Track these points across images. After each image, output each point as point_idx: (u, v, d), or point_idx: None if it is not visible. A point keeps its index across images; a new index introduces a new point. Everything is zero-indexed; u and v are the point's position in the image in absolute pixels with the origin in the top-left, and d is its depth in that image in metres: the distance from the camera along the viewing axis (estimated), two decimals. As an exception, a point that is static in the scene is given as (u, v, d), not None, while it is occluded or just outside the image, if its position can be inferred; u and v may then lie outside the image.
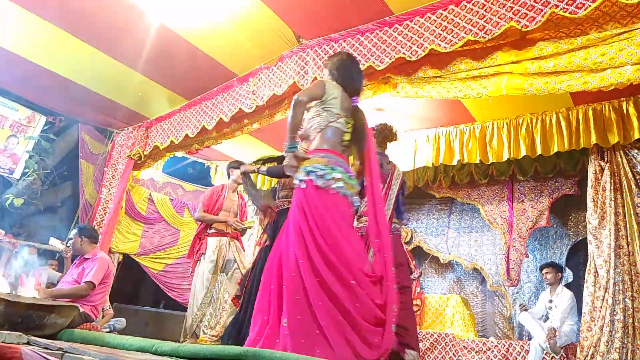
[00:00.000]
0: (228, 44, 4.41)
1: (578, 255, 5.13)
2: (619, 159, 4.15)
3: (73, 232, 3.95)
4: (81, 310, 3.54)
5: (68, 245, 3.96)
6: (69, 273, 3.92)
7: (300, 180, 2.19)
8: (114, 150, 5.99)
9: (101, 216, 5.65)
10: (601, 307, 3.89)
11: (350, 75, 2.47)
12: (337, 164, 2.22)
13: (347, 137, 2.37)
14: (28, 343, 1.44)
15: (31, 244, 5.20)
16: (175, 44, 4.34)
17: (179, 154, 5.85)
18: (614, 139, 4.05)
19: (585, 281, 4.10)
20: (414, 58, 3.45)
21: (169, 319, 6.05)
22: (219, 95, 4.92)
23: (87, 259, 3.79)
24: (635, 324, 3.73)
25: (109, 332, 4.26)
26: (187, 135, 5.11)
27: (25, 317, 1.69)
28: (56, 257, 5.57)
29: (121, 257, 6.37)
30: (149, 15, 4.02)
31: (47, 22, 4.17)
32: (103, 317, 4.59)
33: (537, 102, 4.32)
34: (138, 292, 7.56)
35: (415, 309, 5.40)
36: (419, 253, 6.17)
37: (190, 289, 6.71)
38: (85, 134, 6.12)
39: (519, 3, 3.01)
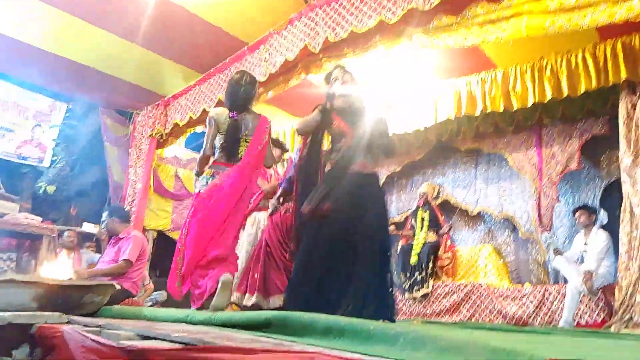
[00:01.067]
0: (235, 13, 4.34)
1: (612, 196, 4.98)
2: (652, 93, 3.94)
3: (104, 214, 4.08)
4: (122, 286, 3.71)
5: (102, 227, 4.11)
6: (106, 253, 4.08)
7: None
8: (135, 131, 6.07)
9: (131, 196, 5.80)
10: (638, 246, 3.80)
11: (230, 96, 3.08)
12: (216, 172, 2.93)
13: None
14: (69, 322, 1.51)
15: (71, 228, 5.40)
16: (184, 18, 4.29)
17: (200, 128, 5.88)
18: (646, 72, 3.85)
19: (621, 221, 4.00)
20: (427, 7, 3.30)
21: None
22: (232, 66, 4.87)
23: (122, 238, 3.92)
24: (674, 261, 3.64)
25: (151, 305, 4.45)
26: (204, 110, 5.11)
27: (65, 298, 1.77)
28: (93, 240, 5.79)
29: (155, 234, 6.56)
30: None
31: (57, 9, 4.17)
32: (145, 292, 4.78)
33: (561, 41, 4.09)
34: (175, 267, 7.79)
35: (447, 262, 5.42)
36: (447, 207, 6.12)
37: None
38: (107, 117, 6.22)
39: None
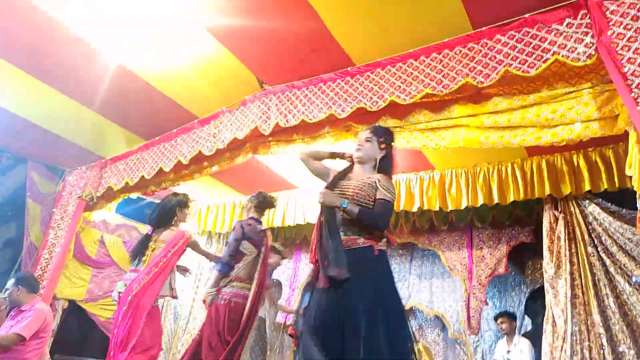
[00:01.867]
0: (190, 88, 4.36)
1: (536, 303, 5.17)
2: (572, 209, 4.28)
3: (10, 282, 3.67)
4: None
5: (4, 297, 3.66)
6: (3, 326, 3.60)
7: None
8: (64, 190, 5.71)
9: (46, 260, 5.30)
10: (560, 358, 3.89)
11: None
12: None
13: None
14: None
15: None
16: (134, 84, 4.24)
17: (134, 195, 5.63)
18: (566, 189, 4.20)
19: (544, 331, 4.12)
20: (374, 108, 3.48)
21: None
22: (179, 137, 4.81)
23: (24, 310, 3.51)
24: (593, 375, 3.74)
25: (45, 390, 3.90)
26: (143, 177, 4.93)
27: None
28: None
29: (66, 303, 5.96)
30: (107, 54, 3.93)
31: (-2, 58, 4.01)
32: (41, 372, 4.21)
33: (493, 152, 4.45)
34: (84, 342, 7.04)
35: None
36: (381, 299, 6.07)
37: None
38: (35, 172, 5.83)
39: (475, 60, 3.11)
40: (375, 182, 2.50)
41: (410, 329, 2.36)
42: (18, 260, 5.69)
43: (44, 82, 4.29)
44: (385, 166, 2.64)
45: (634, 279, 3.71)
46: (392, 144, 2.71)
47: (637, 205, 2.75)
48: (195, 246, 4.00)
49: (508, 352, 4.42)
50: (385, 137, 2.66)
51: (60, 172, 5.93)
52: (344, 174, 2.69)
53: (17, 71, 4.13)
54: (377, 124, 3.20)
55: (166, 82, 4.26)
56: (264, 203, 4.21)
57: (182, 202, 3.77)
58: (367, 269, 2.33)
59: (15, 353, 3.33)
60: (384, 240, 2.46)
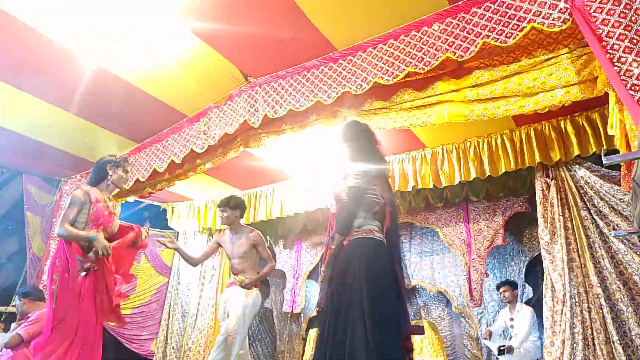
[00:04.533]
0: (175, 86, 4.38)
1: (536, 270, 5.26)
2: (563, 175, 4.33)
3: (16, 298, 3.84)
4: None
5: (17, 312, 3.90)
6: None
7: None
8: (62, 200, 5.75)
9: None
10: (561, 321, 3.97)
11: None
12: None
13: None
14: None
15: None
16: (120, 88, 4.26)
17: (131, 198, 5.67)
18: (556, 156, 4.24)
19: (543, 296, 4.20)
20: (359, 91, 3.52)
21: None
22: (170, 137, 4.84)
23: (29, 317, 3.66)
24: (594, 334, 3.81)
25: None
26: (137, 180, 4.97)
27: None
28: (1, 319, 5.22)
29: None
30: (90, 60, 3.95)
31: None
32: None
33: (482, 126, 4.48)
34: (96, 347, 7.12)
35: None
36: (384, 280, 6.15)
37: (151, 339, 6.41)
38: (31, 184, 5.86)
39: (453, 35, 3.14)
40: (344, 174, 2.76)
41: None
42: (23, 273, 5.75)
43: (29, 93, 4.30)
44: (354, 159, 2.78)
45: (613, 233, 3.76)
46: (353, 132, 2.90)
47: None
48: (66, 204, 3.27)
49: (511, 319, 4.51)
50: (345, 134, 2.89)
51: (56, 182, 5.96)
52: None
53: (4, 86, 4.14)
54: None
55: (151, 82, 4.28)
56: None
57: (115, 162, 3.32)
58: None
59: (26, 354, 3.48)
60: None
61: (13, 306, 4.30)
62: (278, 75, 4.08)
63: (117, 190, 3.49)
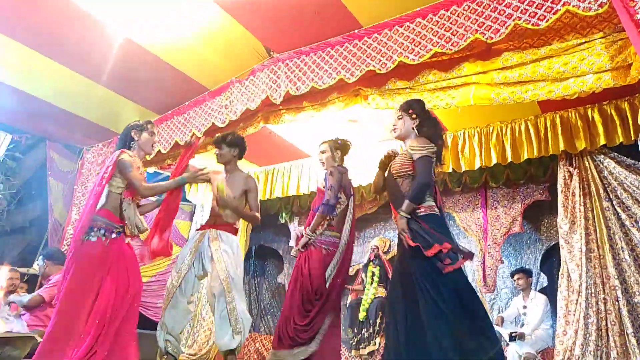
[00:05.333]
0: (198, 59, 4.38)
1: (552, 260, 5.20)
2: (587, 164, 4.25)
3: (38, 259, 3.93)
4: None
5: (39, 272, 4.00)
6: (35, 296, 3.84)
7: None
8: (83, 168, 5.85)
9: (71, 236, 5.49)
10: (575, 311, 3.95)
11: None
12: None
13: None
14: (-22, 380, 1.37)
15: (15, 269, 5.02)
16: (144, 59, 4.28)
17: (151, 169, 5.74)
18: (581, 145, 4.16)
19: (558, 285, 4.17)
20: (383, 70, 3.47)
21: (144, 339, 5.87)
22: (191, 110, 4.86)
23: (50, 279, 3.77)
24: (608, 325, 3.79)
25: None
26: (159, 151, 5.02)
27: (-21, 352, 1.62)
28: (24, 280, 5.39)
29: (94, 276, 6.18)
30: (115, 30, 3.97)
31: (9, 38, 4.06)
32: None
33: (506, 111, 4.39)
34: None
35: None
36: (397, 262, 6.16)
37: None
38: (54, 151, 5.96)
39: (484, 15, 3.06)
40: (408, 149, 2.78)
41: None
42: (44, 237, 5.90)
43: (55, 60, 4.34)
44: (424, 132, 2.82)
45: None
46: (425, 108, 2.92)
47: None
48: (123, 169, 3.05)
49: (524, 307, 4.50)
50: (413, 107, 2.87)
51: (78, 150, 6.06)
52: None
53: (28, 51, 4.19)
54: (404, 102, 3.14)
55: (174, 54, 4.29)
56: (346, 148, 3.86)
57: (138, 126, 3.20)
58: None
59: (46, 314, 3.60)
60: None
61: (35, 268, 4.41)
62: (301, 51, 4.04)
63: (146, 156, 3.39)
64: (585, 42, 2.94)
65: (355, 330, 5.25)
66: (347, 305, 5.58)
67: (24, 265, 5.68)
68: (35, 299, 3.70)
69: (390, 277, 5.67)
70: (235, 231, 3.63)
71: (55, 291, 3.65)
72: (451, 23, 3.20)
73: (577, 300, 3.96)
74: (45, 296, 3.68)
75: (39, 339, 3.02)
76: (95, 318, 2.51)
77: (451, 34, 3.17)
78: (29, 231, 6.14)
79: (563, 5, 2.77)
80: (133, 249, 3.08)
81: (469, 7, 3.15)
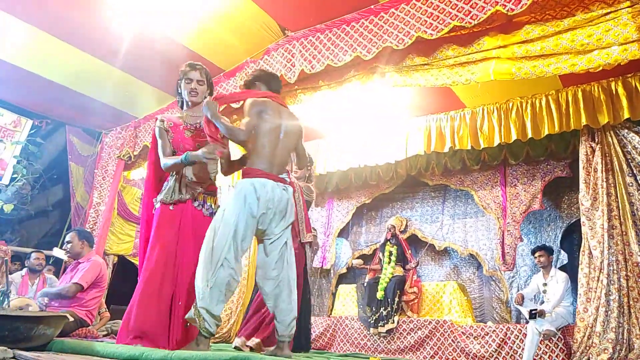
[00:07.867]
0: (213, 40, 4.36)
1: (572, 237, 5.15)
2: (610, 139, 4.14)
3: (70, 234, 3.90)
4: (77, 316, 3.53)
5: (68, 250, 3.90)
6: (63, 278, 3.90)
7: None
8: (103, 152, 5.93)
9: (93, 219, 5.61)
10: (596, 288, 3.91)
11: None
12: None
13: None
14: (14, 358, 1.42)
15: (40, 250, 5.13)
16: (159, 41, 4.28)
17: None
18: (604, 119, 4.05)
19: (579, 262, 4.12)
20: (401, 46, 3.41)
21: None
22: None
23: (81, 262, 3.77)
24: (630, 302, 3.75)
25: (106, 335, 4.24)
26: (175, 134, 5.04)
27: (13, 330, 1.66)
28: (50, 262, 5.54)
29: (116, 258, 6.33)
30: (130, 13, 3.95)
31: (28, 24, 4.09)
32: (100, 320, 4.56)
33: (526, 86, 4.29)
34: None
35: (412, 297, 5.41)
36: (415, 241, 6.17)
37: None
38: (73, 136, 6.05)
39: (504, -14, 2.97)
40: None
41: None
42: (67, 220, 6.03)
43: (71, 44, 4.36)
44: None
45: None
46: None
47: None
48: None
49: (544, 284, 4.46)
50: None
51: (97, 134, 6.13)
52: None
53: (45, 35, 4.21)
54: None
55: (189, 35, 4.27)
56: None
57: (179, 77, 2.85)
58: None
59: (78, 301, 3.62)
60: None
61: (62, 248, 4.45)
62: (316, 29, 3.99)
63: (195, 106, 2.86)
64: (611, 12, 2.84)
65: (374, 309, 5.29)
66: (365, 284, 5.61)
67: (49, 248, 5.82)
68: (76, 287, 3.59)
69: (407, 256, 5.67)
70: None
71: (93, 275, 3.69)
72: (470, -5, 3.11)
73: (598, 277, 3.91)
74: (84, 284, 3.62)
75: (71, 319, 3.07)
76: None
77: (470, 6, 3.09)
78: (53, 215, 6.28)
79: (588, -27, 2.67)
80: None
81: (489, -22, 3.05)
